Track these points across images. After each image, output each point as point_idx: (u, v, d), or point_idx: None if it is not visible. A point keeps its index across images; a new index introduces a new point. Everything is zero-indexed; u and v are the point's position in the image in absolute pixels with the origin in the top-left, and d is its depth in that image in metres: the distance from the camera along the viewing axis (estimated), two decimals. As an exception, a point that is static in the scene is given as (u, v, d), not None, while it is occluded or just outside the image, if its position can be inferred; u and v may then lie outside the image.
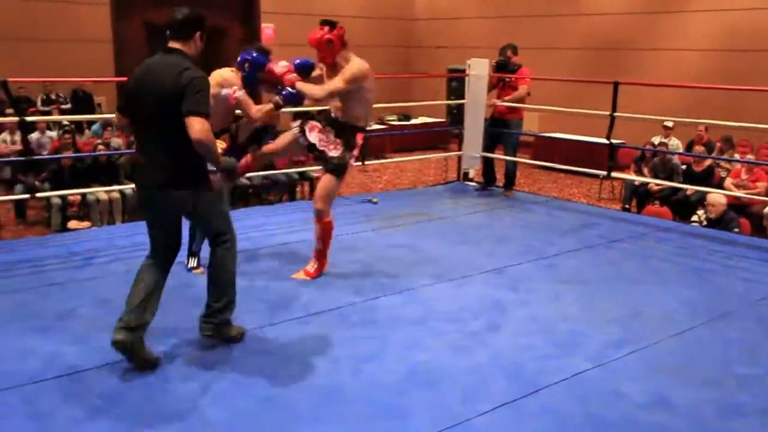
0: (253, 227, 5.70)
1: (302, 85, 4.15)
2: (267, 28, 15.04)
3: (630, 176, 8.80)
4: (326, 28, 4.11)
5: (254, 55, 4.27)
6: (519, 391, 3.13)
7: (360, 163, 7.42)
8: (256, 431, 2.78)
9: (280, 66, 4.20)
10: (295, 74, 4.18)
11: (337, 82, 4.13)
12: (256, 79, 4.29)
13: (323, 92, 4.17)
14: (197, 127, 2.99)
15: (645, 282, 4.62)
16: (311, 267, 4.52)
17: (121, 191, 8.00)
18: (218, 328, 3.43)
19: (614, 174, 7.25)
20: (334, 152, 4.29)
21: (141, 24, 13.60)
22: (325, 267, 4.56)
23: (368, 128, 4.33)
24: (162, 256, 3.31)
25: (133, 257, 4.80)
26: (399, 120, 14.85)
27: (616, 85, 6.38)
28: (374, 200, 6.84)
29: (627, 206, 8.79)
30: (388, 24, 16.21)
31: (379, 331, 3.73)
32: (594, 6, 13.33)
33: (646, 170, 9.07)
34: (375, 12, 15.94)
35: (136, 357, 3.14)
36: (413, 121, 14.81)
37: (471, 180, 7.86)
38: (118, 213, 8.08)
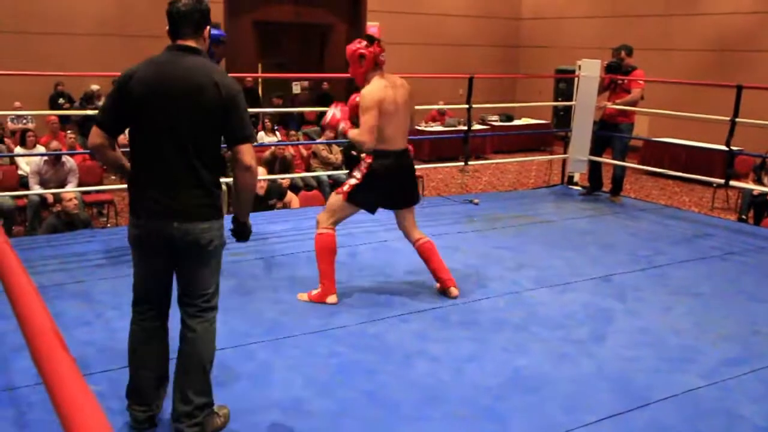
0: (353, 223, 5.74)
1: (351, 133, 4.00)
2: (372, 27, 15.19)
3: (749, 185, 8.31)
4: (364, 43, 3.99)
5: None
6: (625, 404, 3.00)
7: (462, 163, 7.38)
8: (358, 424, 2.80)
9: (333, 115, 4.12)
10: (346, 122, 4.07)
11: (363, 120, 3.91)
12: (212, 53, 4.27)
13: (363, 135, 3.89)
14: (248, 153, 2.53)
15: (765, 298, 4.34)
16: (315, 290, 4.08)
17: (227, 184, 8.27)
18: (205, 426, 2.64)
19: (732, 183, 6.85)
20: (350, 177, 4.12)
21: (250, 22, 14.06)
22: (331, 294, 4.02)
23: (384, 150, 3.94)
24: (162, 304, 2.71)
25: (239, 247, 4.96)
26: (500, 120, 14.65)
27: (739, 88, 6.03)
28: (475, 201, 6.77)
29: (744, 217, 8.30)
30: (494, 23, 16.03)
31: (480, 332, 3.68)
32: (714, 5, 12.67)
33: (766, 179, 8.54)
34: (481, 11, 15.80)
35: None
36: (515, 122, 14.57)
37: (576, 184, 7.65)
38: (223, 204, 8.36)
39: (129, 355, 2.72)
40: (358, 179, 3.98)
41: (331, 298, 4.03)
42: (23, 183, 7.83)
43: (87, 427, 0.69)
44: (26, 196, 7.21)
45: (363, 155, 4.01)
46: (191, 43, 2.59)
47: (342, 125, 4.06)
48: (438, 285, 4.21)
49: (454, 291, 4.14)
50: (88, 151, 9.32)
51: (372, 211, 4.16)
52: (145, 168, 2.58)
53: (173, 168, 2.51)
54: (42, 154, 7.72)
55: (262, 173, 6.90)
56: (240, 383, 3.07)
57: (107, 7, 12.29)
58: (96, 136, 2.60)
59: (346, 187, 4.01)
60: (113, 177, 10.69)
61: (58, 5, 11.84)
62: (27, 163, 7.97)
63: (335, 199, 4.09)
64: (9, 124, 10.52)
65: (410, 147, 4.15)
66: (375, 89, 3.90)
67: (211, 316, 2.65)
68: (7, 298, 1.16)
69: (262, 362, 3.27)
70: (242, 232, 2.78)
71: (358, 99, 3.99)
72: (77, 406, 0.73)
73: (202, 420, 2.60)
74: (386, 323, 3.76)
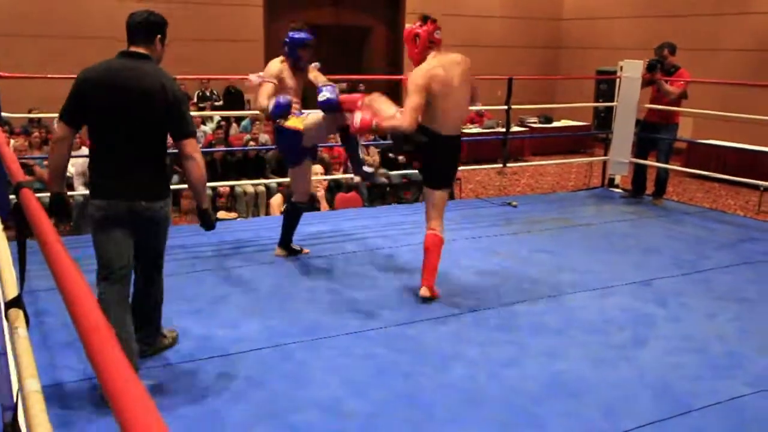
0: (391, 225, 5.76)
1: (387, 123, 3.89)
2: (410, 29, 15.17)
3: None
4: (418, 23, 3.95)
5: (291, 35, 4.45)
6: (667, 411, 2.94)
7: (500, 165, 7.33)
8: (394, 426, 2.79)
9: (362, 119, 3.97)
10: (377, 117, 3.94)
11: (405, 102, 3.85)
12: (297, 57, 4.45)
13: (403, 118, 3.81)
14: (190, 147, 2.98)
15: (815, 304, 4.21)
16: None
17: (266, 185, 8.37)
18: (154, 349, 3.30)
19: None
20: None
21: (290, 25, 14.15)
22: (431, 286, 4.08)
23: (434, 132, 3.88)
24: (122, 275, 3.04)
25: (269, 249, 5.00)
26: (540, 122, 14.51)
27: (786, 89, 5.87)
28: (514, 203, 6.71)
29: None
30: (534, 24, 15.89)
31: (518, 336, 3.65)
32: (761, 4, 12.36)
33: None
34: (522, 12, 15.68)
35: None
36: (554, 124, 14.42)
37: (617, 186, 7.53)
38: (262, 206, 8.46)
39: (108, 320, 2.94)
40: (423, 164, 4.03)
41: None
42: (68, 184, 8.02)
43: (143, 423, 0.71)
44: (72, 196, 7.38)
45: (415, 140, 3.93)
46: (142, 49, 2.98)
47: (374, 123, 3.95)
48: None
49: (423, 291, 4.01)
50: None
51: (449, 186, 4.26)
52: (104, 159, 2.99)
53: (127, 158, 2.95)
54: (87, 156, 7.89)
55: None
56: (278, 382, 3.09)
57: (121, 10, 12.49)
58: (59, 128, 2.97)
59: (423, 178, 4.11)
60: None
61: (81, 8, 12.02)
62: (72, 165, 8.16)
63: (432, 195, 4.07)
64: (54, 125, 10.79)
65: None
66: (422, 70, 3.85)
67: (161, 270, 3.27)
68: (60, 295, 1.19)
69: (300, 362, 3.29)
70: (204, 219, 3.21)
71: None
72: (132, 401, 0.75)
73: (152, 341, 3.27)
74: (424, 325, 3.75)
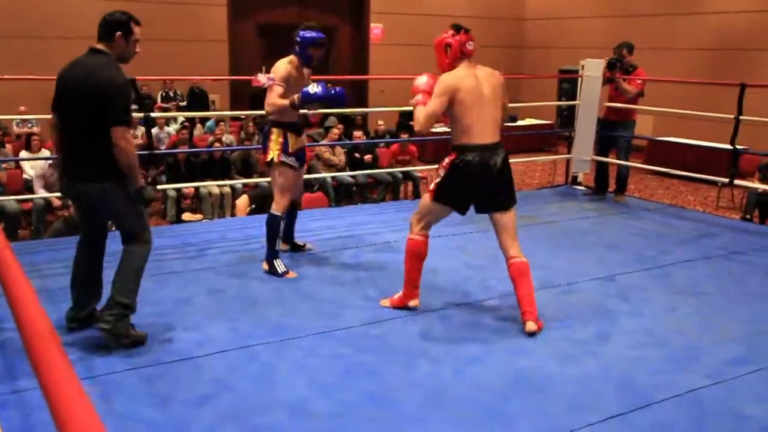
0: (357, 225, 5.77)
1: (417, 111, 3.78)
2: (376, 28, 15.21)
3: (754, 184, 8.28)
4: (450, 32, 3.82)
5: (302, 34, 4.42)
6: (629, 404, 3.00)
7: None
8: (361, 425, 2.80)
9: (418, 86, 3.87)
10: (425, 96, 3.80)
11: (428, 104, 3.74)
12: (308, 56, 4.43)
13: (419, 119, 3.75)
14: (118, 134, 3.19)
15: (770, 297, 4.33)
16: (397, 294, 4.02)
17: (231, 186, 8.31)
18: (118, 323, 3.32)
19: (737, 182, 6.83)
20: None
21: (254, 25, 14.09)
22: (412, 298, 3.96)
23: (466, 144, 3.70)
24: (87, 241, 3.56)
25: (243, 250, 4.98)
26: (505, 121, 14.62)
27: (742, 87, 6.02)
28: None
29: (749, 216, 8.27)
30: (497, 24, 16.01)
31: (483, 333, 3.68)
32: (717, 4, 12.65)
33: (771, 178, 8.51)
34: (485, 12, 15.79)
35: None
36: (519, 123, 14.56)
37: (580, 184, 7.64)
38: (228, 207, 8.39)
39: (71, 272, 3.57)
40: (441, 177, 3.76)
41: (414, 302, 3.95)
42: (28, 187, 7.86)
43: (80, 428, 0.70)
44: (31, 200, 7.24)
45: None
46: (100, 46, 3.32)
47: (417, 97, 3.80)
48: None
49: (530, 326, 3.65)
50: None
51: (461, 211, 3.88)
52: (61, 143, 3.40)
53: (74, 143, 3.31)
54: (47, 158, 7.75)
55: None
56: (244, 384, 3.08)
57: (109, 10, 12.33)
58: (52, 117, 3.45)
59: (432, 186, 3.84)
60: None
61: (59, 9, 11.87)
62: (32, 167, 8.01)
63: (423, 199, 3.94)
64: (14, 128, 10.56)
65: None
66: (451, 77, 3.70)
67: (140, 242, 3.42)
68: (6, 301, 1.17)
69: (266, 363, 3.28)
70: (137, 195, 3.34)
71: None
72: (71, 407, 0.74)
73: (118, 315, 3.30)
74: (390, 324, 3.77)
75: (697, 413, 2.95)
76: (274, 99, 4.36)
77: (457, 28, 3.80)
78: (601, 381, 3.20)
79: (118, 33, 3.30)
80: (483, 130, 3.71)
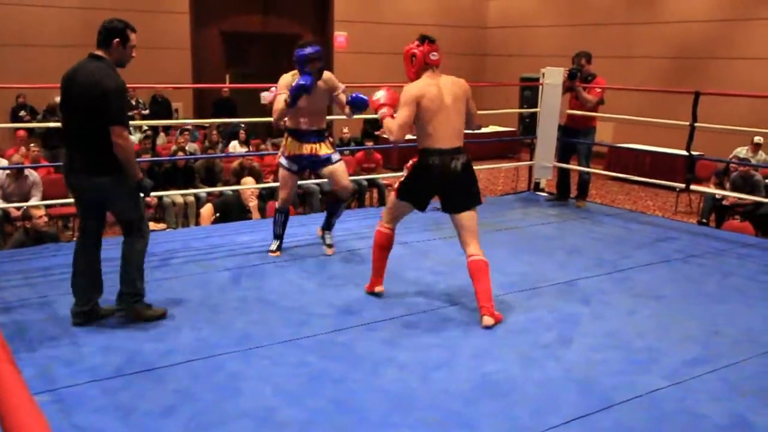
0: (324, 232, 5.75)
1: (386, 123, 4.00)
2: (340, 36, 15.24)
3: (709, 189, 8.49)
4: (416, 42, 3.97)
5: (297, 52, 4.64)
6: (591, 406, 3.05)
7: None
8: (326, 434, 2.80)
9: (378, 99, 4.09)
10: (389, 108, 4.02)
11: (397, 116, 3.95)
12: (308, 73, 4.62)
13: (392, 130, 3.94)
14: (115, 132, 3.47)
15: (726, 299, 4.45)
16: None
17: (195, 195, 8.25)
18: (130, 308, 3.75)
19: (693, 187, 7.01)
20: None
21: (217, 32, 14.01)
22: (377, 285, 4.28)
23: (429, 148, 3.92)
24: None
25: (207, 259, 4.95)
26: (477, 127, 14.75)
27: (696, 94, 6.18)
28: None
29: (705, 221, 8.48)
30: (460, 32, 16.18)
31: (448, 339, 3.71)
32: (673, 14, 12.97)
33: (728, 184, 8.74)
34: (448, 20, 15.94)
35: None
36: (483, 130, 14.71)
37: (542, 190, 7.75)
38: (192, 216, 8.32)
39: (72, 267, 3.75)
40: (405, 176, 4.07)
41: (378, 288, 4.27)
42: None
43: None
44: None
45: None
46: (99, 52, 3.58)
47: (382, 111, 4.02)
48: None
49: (486, 320, 3.84)
50: (51, 164, 9.19)
51: (421, 208, 4.14)
52: (67, 141, 3.68)
53: (76, 141, 3.59)
54: (3, 168, 7.60)
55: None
56: (209, 394, 3.06)
57: (69, 19, 12.15)
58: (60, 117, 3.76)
59: (396, 184, 4.14)
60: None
61: (19, 16, 11.68)
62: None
63: (390, 196, 4.28)
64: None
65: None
66: (414, 86, 3.91)
67: (137, 235, 3.72)
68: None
69: (231, 373, 3.26)
70: (137, 187, 3.65)
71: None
72: (21, 420, 0.73)
73: (129, 302, 3.71)
74: (355, 332, 3.78)
75: (656, 413, 3.02)
76: (276, 105, 4.74)
77: (422, 39, 3.97)
78: (563, 384, 3.26)
79: (116, 40, 3.57)
80: (444, 136, 3.91)
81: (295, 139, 4.88)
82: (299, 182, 5.62)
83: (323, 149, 4.92)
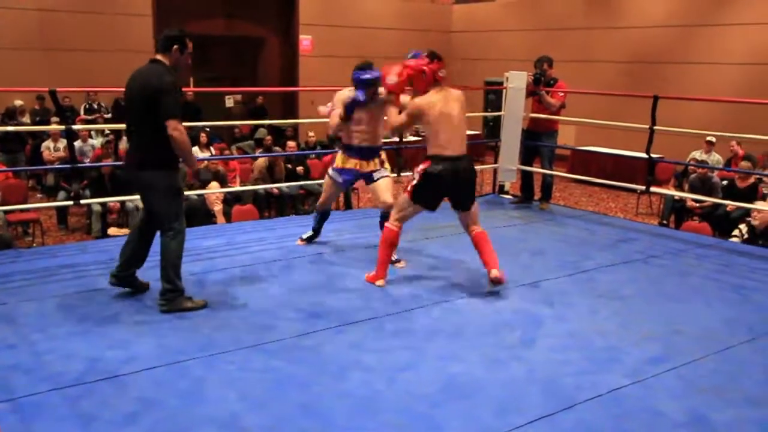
0: (288, 237, 5.75)
1: (391, 112, 4.65)
2: (304, 40, 15.21)
3: (669, 191, 8.67)
4: (426, 60, 4.38)
5: (355, 74, 4.82)
6: (554, 406, 3.10)
7: (395, 175, 7.46)
8: (292, 439, 2.80)
9: (390, 81, 4.58)
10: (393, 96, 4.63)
11: (400, 116, 4.55)
12: (363, 93, 4.78)
13: (391, 123, 4.64)
14: (171, 126, 3.77)
15: (684, 299, 4.55)
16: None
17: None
18: (170, 303, 4.00)
19: (653, 189, 7.15)
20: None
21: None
22: (381, 278, 4.58)
23: (439, 155, 4.39)
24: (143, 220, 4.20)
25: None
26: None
27: (655, 98, 6.31)
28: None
29: (665, 222, 8.66)
30: (425, 36, 16.25)
31: (414, 341, 3.73)
32: (632, 19, 13.23)
33: (686, 186, 8.94)
34: (412, 24, 16.01)
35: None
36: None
37: (507, 193, 7.83)
38: (156, 220, 8.21)
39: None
40: (416, 181, 4.43)
41: (380, 282, 4.55)
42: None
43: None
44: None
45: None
46: (159, 56, 3.97)
47: (389, 96, 4.64)
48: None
49: (494, 272, 4.37)
50: (10, 169, 9.02)
51: (432, 209, 4.57)
52: (128, 138, 4.15)
53: (134, 135, 3.98)
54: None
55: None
56: (172, 401, 3.03)
57: (28, 21, 11.92)
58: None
59: (409, 187, 4.48)
60: (39, 195, 10.38)
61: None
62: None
63: (402, 196, 4.58)
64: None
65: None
66: (424, 101, 4.36)
67: (169, 234, 3.99)
68: None
69: (196, 379, 3.24)
70: (177, 188, 4.02)
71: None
72: None
73: (168, 298, 3.98)
74: (321, 335, 3.78)
75: (617, 412, 3.08)
76: (331, 120, 5.01)
77: (432, 57, 4.41)
78: (527, 384, 3.30)
79: (175, 46, 3.95)
80: (451, 144, 4.37)
81: (344, 153, 5.10)
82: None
83: (369, 166, 5.08)
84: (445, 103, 4.36)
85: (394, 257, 4.93)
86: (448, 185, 4.40)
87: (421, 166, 4.43)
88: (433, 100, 4.36)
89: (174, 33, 4.00)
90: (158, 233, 4.07)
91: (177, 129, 3.80)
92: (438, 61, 4.41)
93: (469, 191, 4.54)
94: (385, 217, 4.94)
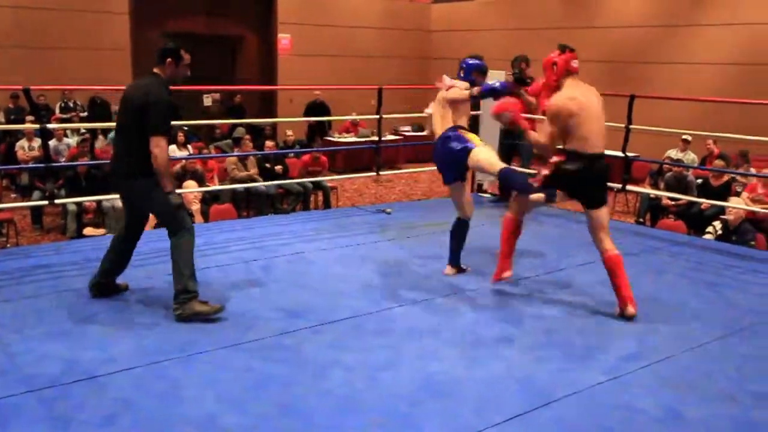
0: (268, 236, 5.74)
1: (532, 135, 4.41)
2: (283, 38, 15.15)
3: (645, 190, 8.77)
4: (557, 51, 4.21)
5: (467, 61, 4.86)
6: (531, 403, 3.13)
7: (374, 174, 7.48)
8: (271, 438, 2.79)
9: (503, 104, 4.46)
10: (517, 116, 4.43)
11: (546, 126, 4.27)
12: (472, 80, 4.76)
13: (541, 139, 4.32)
14: (153, 142, 3.79)
15: (659, 296, 4.61)
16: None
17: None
18: (183, 306, 3.88)
19: (629, 187, 7.23)
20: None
21: (159, 34, 13.76)
22: (506, 269, 4.53)
23: (578, 152, 4.13)
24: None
25: (149, 264, 4.86)
26: (413, 131, 14.89)
27: (631, 98, 6.38)
28: (388, 211, 6.86)
29: (641, 220, 8.75)
30: (405, 35, 16.29)
31: (394, 340, 3.74)
32: (609, 19, 13.35)
33: (662, 184, 9.05)
34: (392, 23, 16.03)
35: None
36: (425, 132, 14.84)
37: (485, 192, 7.87)
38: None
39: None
40: (550, 172, 4.21)
41: (506, 273, 4.50)
42: None
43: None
44: None
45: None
46: (155, 69, 3.98)
47: (508, 115, 4.42)
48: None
49: (630, 310, 4.11)
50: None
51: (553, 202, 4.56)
52: (115, 143, 4.18)
53: (120, 146, 4.02)
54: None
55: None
56: (150, 402, 3.01)
57: (3, 18, 11.75)
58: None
59: (540, 177, 4.30)
60: (13, 195, 10.24)
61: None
62: None
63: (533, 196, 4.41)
64: None
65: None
66: (561, 96, 4.11)
67: (179, 234, 3.94)
68: None
69: (174, 380, 3.22)
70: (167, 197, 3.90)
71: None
72: None
73: (182, 300, 3.86)
74: (301, 335, 3.77)
75: (594, 408, 3.11)
76: (458, 94, 4.70)
77: (563, 48, 4.22)
78: (505, 382, 3.33)
79: (169, 59, 3.94)
80: (592, 140, 4.12)
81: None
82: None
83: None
84: (585, 98, 4.12)
85: (463, 265, 4.94)
86: (578, 183, 4.18)
87: (556, 159, 4.19)
88: (570, 95, 4.11)
89: (168, 46, 4.01)
90: (154, 234, 3.99)
91: (159, 146, 3.78)
92: (570, 51, 4.21)
93: (600, 188, 4.29)
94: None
